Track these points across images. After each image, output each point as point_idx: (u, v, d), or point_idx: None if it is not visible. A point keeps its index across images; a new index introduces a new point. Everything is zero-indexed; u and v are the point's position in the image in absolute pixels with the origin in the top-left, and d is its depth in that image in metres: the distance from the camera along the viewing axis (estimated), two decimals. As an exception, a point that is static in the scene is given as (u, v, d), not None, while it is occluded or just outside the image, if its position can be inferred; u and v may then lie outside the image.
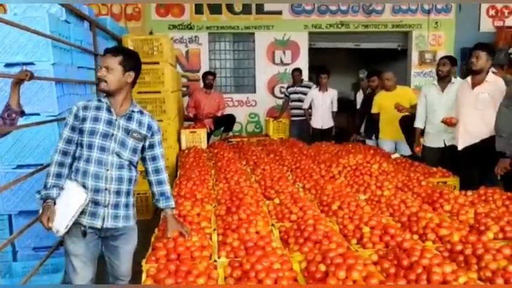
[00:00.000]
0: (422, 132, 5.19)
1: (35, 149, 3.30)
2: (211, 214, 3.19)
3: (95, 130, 2.47)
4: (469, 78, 4.30)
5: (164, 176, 2.73)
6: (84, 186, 2.45)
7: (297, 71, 7.78)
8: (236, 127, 9.03)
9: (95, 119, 2.48)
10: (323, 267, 2.16)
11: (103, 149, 2.47)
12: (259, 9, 8.87)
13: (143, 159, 2.70)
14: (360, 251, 2.48)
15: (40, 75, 3.12)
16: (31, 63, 3.26)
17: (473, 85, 4.24)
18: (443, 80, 4.86)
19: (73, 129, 2.48)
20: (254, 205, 3.24)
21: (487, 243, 2.28)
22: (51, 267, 3.51)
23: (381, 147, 5.90)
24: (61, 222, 2.40)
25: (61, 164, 2.48)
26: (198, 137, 6.60)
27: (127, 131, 2.55)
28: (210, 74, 7.44)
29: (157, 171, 2.70)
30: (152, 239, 2.75)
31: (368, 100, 6.53)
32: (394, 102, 5.48)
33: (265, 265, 2.17)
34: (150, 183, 2.73)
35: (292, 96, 7.75)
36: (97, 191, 2.46)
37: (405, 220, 2.91)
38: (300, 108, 7.59)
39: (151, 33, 8.22)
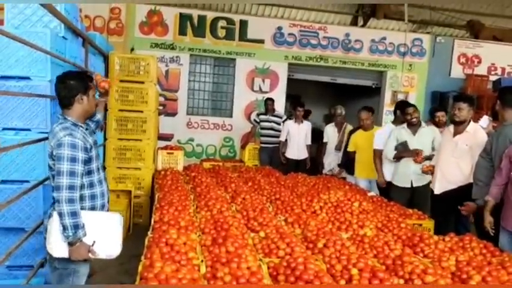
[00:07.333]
0: None
1: (22, 165, 3.20)
2: (196, 244, 3.17)
3: (97, 154, 2.79)
4: (451, 127, 4.51)
5: None
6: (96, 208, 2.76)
7: (271, 100, 7.96)
8: (210, 150, 9.06)
9: (94, 144, 2.75)
10: (318, 310, 2.20)
11: (102, 168, 2.92)
12: (242, 37, 9.01)
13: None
14: (351, 293, 2.52)
15: (36, 91, 3.09)
16: (27, 78, 3.19)
17: (454, 134, 4.43)
18: (414, 125, 5.10)
19: (85, 162, 2.58)
20: (240, 237, 3.25)
21: (472, 293, 2.37)
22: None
23: (358, 184, 6.03)
24: (112, 246, 2.72)
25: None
26: (174, 159, 6.56)
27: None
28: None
29: None
30: (140, 268, 2.70)
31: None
32: (370, 142, 5.64)
33: (263, 305, 2.18)
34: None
35: (264, 124, 7.89)
36: (102, 207, 2.82)
37: (390, 263, 2.98)
38: (271, 136, 7.78)
39: (132, 49, 8.20)
